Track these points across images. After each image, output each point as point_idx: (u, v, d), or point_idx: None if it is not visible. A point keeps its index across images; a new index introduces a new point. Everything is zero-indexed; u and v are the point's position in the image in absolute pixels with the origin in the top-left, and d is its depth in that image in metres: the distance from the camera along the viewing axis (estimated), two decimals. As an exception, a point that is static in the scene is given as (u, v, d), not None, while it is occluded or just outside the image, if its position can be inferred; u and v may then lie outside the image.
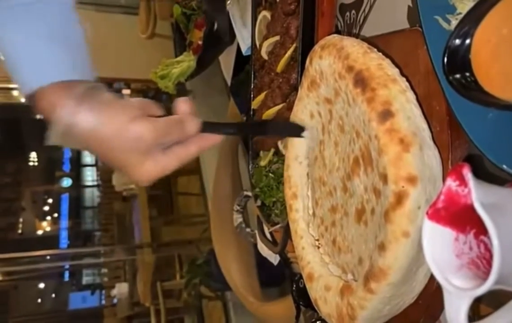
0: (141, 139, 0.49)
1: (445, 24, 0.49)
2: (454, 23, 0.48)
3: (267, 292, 1.44)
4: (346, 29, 0.79)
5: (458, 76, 0.41)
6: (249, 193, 1.10)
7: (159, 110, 0.53)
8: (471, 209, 0.36)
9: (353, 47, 0.54)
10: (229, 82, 1.33)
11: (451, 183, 0.38)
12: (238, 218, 1.25)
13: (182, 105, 0.54)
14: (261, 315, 1.35)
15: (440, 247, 0.38)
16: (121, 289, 5.12)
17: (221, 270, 1.48)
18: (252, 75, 0.96)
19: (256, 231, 1.11)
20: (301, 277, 0.78)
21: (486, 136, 0.43)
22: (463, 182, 0.37)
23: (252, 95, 0.95)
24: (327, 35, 0.62)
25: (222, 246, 1.50)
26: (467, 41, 0.41)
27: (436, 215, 0.39)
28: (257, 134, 0.58)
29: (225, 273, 1.47)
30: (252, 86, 0.95)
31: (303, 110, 0.67)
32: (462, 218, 0.39)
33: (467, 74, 0.41)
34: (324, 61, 0.58)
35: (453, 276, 0.37)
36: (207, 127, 0.54)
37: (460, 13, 0.48)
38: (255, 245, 1.18)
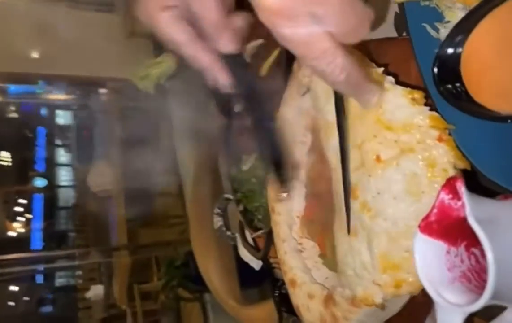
0: None
1: (433, 32, 0.49)
2: (442, 31, 0.48)
3: (247, 294, 1.43)
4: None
5: (449, 86, 0.41)
6: (230, 196, 1.09)
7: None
8: (463, 222, 0.36)
9: None
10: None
11: (444, 196, 0.37)
12: (218, 221, 1.23)
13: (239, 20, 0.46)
14: (241, 319, 1.34)
15: (432, 261, 0.38)
16: (96, 291, 5.03)
17: (200, 272, 1.46)
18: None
19: (237, 235, 1.09)
20: (283, 283, 0.78)
21: (477, 148, 0.43)
22: (456, 195, 0.37)
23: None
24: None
25: (201, 248, 1.48)
26: (458, 50, 0.41)
27: (428, 228, 0.38)
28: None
29: (204, 275, 1.45)
30: (235, 89, 0.94)
31: (289, 111, 0.66)
32: (453, 231, 0.38)
33: (457, 84, 0.41)
34: None
35: (445, 290, 0.37)
36: (229, 59, 0.45)
37: (448, 22, 0.48)
38: (235, 247, 1.17)
